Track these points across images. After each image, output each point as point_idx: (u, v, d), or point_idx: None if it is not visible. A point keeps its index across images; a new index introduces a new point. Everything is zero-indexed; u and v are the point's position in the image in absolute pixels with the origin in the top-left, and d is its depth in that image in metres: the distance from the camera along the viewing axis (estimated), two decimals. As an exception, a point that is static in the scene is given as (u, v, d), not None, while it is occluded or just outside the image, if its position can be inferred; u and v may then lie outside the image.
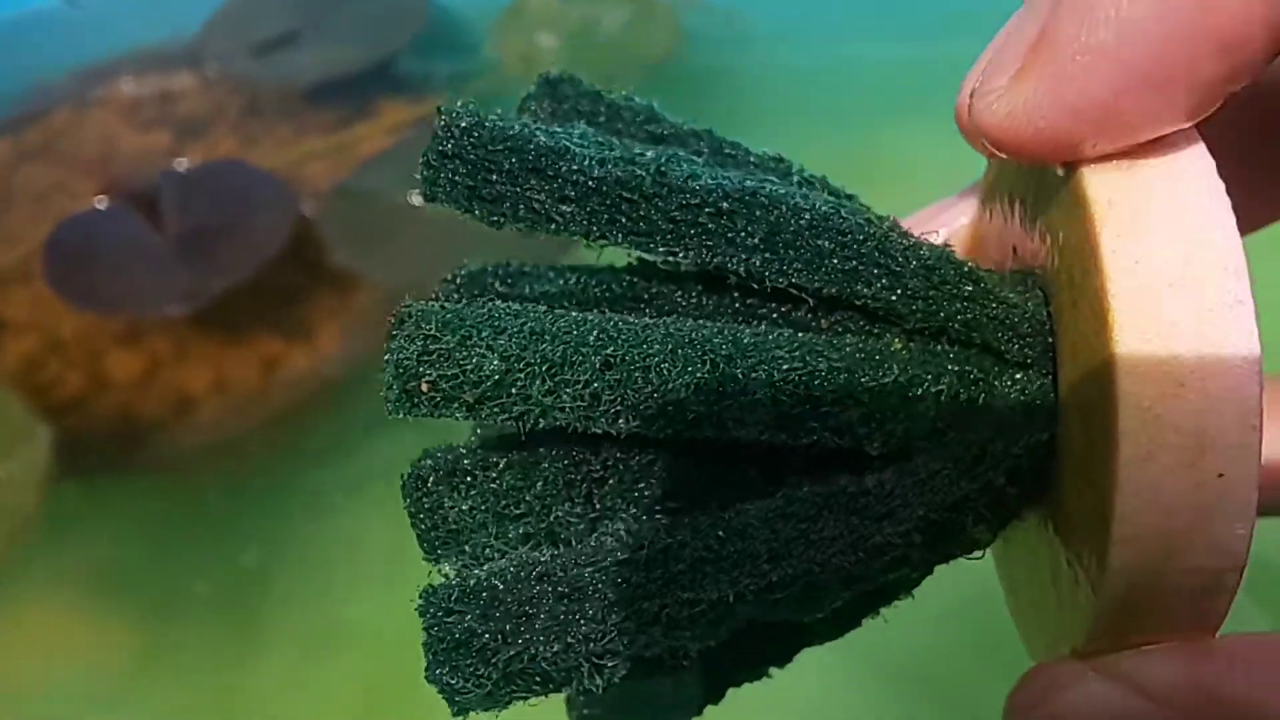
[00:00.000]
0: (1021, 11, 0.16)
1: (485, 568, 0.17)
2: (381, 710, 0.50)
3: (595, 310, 0.18)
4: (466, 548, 0.17)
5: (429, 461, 0.18)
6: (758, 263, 0.17)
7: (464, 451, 0.18)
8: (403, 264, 0.65)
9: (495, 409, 0.16)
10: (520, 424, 0.16)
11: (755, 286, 0.17)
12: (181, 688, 0.52)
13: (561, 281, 0.19)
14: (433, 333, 0.15)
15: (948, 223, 0.21)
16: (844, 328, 0.18)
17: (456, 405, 0.16)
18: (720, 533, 0.16)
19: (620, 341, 0.16)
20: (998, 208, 0.20)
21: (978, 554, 0.18)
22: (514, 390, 0.16)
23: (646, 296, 0.19)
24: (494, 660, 0.16)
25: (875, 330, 0.17)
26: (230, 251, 0.65)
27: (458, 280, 0.20)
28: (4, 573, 0.55)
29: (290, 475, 0.59)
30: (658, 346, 0.16)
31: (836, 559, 0.16)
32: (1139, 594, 0.15)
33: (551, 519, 0.17)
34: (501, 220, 0.17)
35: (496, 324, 0.16)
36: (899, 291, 0.17)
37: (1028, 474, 0.17)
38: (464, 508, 0.17)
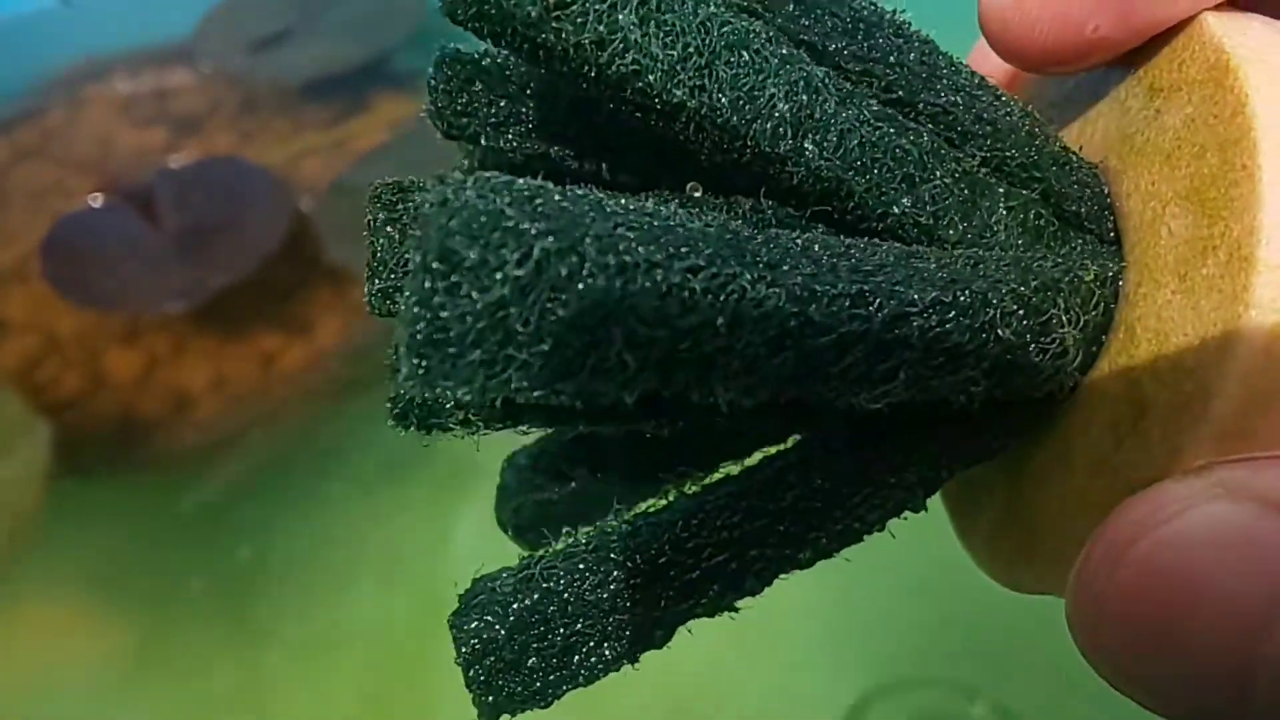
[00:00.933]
0: None
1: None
2: (380, 706, 0.50)
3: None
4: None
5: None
6: (836, 44, 0.16)
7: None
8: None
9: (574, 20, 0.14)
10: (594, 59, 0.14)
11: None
12: (180, 685, 0.51)
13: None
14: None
15: None
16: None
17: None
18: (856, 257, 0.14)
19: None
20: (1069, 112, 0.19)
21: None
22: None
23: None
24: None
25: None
26: (227, 248, 0.65)
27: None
28: (3, 571, 0.55)
29: (290, 472, 0.59)
30: (763, 49, 0.15)
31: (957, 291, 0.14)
32: (1266, 386, 0.13)
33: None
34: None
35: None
36: (965, 99, 0.16)
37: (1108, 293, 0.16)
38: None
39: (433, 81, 0.16)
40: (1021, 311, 0.14)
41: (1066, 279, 0.15)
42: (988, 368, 0.14)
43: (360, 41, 0.79)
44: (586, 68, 0.14)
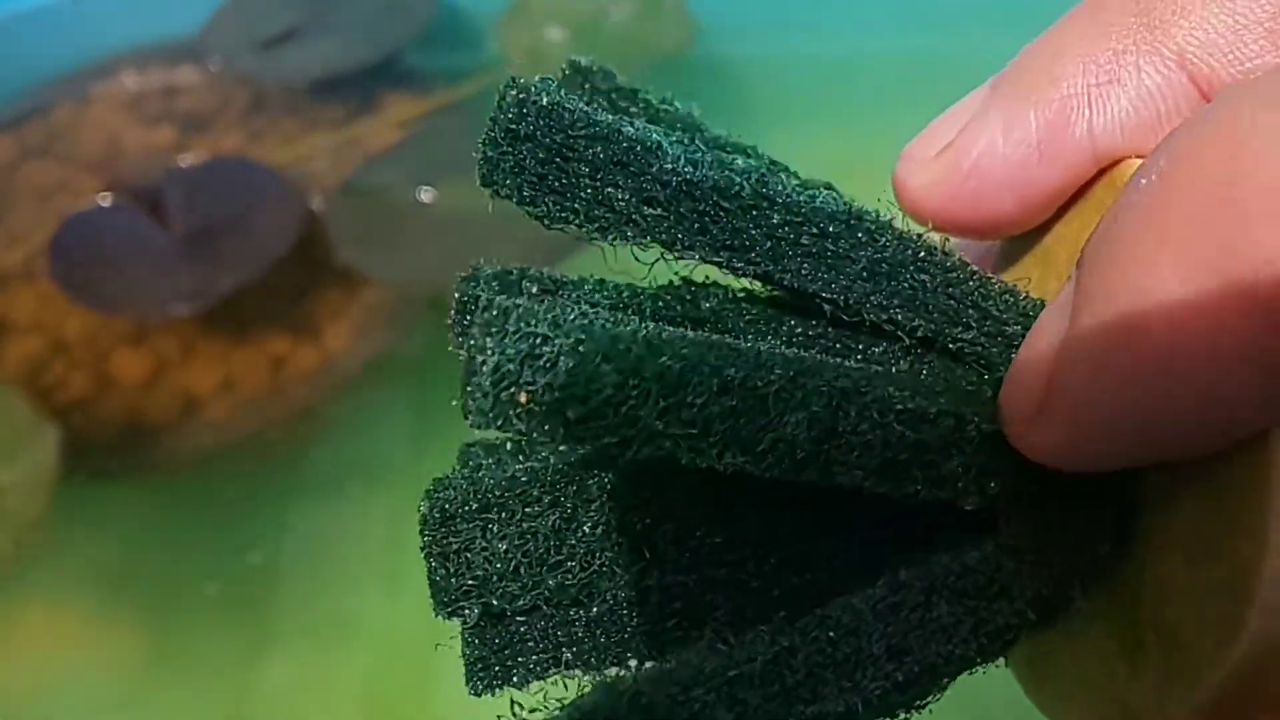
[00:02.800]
0: (1034, 332, 0.16)
1: (569, 706, 0.14)
2: (389, 708, 0.50)
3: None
4: (493, 600, 0.15)
5: (453, 493, 0.16)
6: (858, 293, 0.16)
7: (496, 482, 0.16)
8: (410, 262, 0.65)
9: (597, 430, 0.13)
10: (620, 450, 0.13)
11: (845, 319, 0.16)
12: (189, 688, 0.52)
13: (611, 296, 0.17)
14: (542, 333, 0.13)
15: None
16: (930, 369, 0.16)
17: (555, 423, 0.13)
18: (831, 632, 0.14)
19: (739, 364, 0.14)
20: (1042, 256, 0.19)
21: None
22: (624, 410, 0.13)
23: (714, 319, 0.17)
24: None
25: (962, 374, 0.16)
26: (236, 250, 0.65)
27: (482, 281, 0.17)
28: (12, 574, 0.55)
29: (298, 475, 0.59)
30: (778, 373, 0.14)
31: (960, 648, 0.15)
32: (1264, 664, 0.14)
33: (595, 565, 0.16)
34: (568, 218, 0.15)
35: (609, 331, 0.13)
36: (997, 336, 0.16)
37: (1121, 532, 0.16)
38: (498, 548, 0.15)
39: (431, 552, 0.16)
40: (1040, 609, 0.15)
41: (1083, 558, 0.15)
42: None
43: (370, 40, 0.79)
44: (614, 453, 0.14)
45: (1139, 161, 0.16)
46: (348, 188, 0.69)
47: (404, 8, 0.81)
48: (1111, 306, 0.13)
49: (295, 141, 0.72)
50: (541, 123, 0.15)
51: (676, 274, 0.17)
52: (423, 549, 0.15)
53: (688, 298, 0.17)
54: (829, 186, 0.18)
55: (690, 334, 0.14)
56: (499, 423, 0.13)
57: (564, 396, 0.13)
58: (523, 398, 0.13)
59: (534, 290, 0.17)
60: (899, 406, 0.14)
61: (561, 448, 0.16)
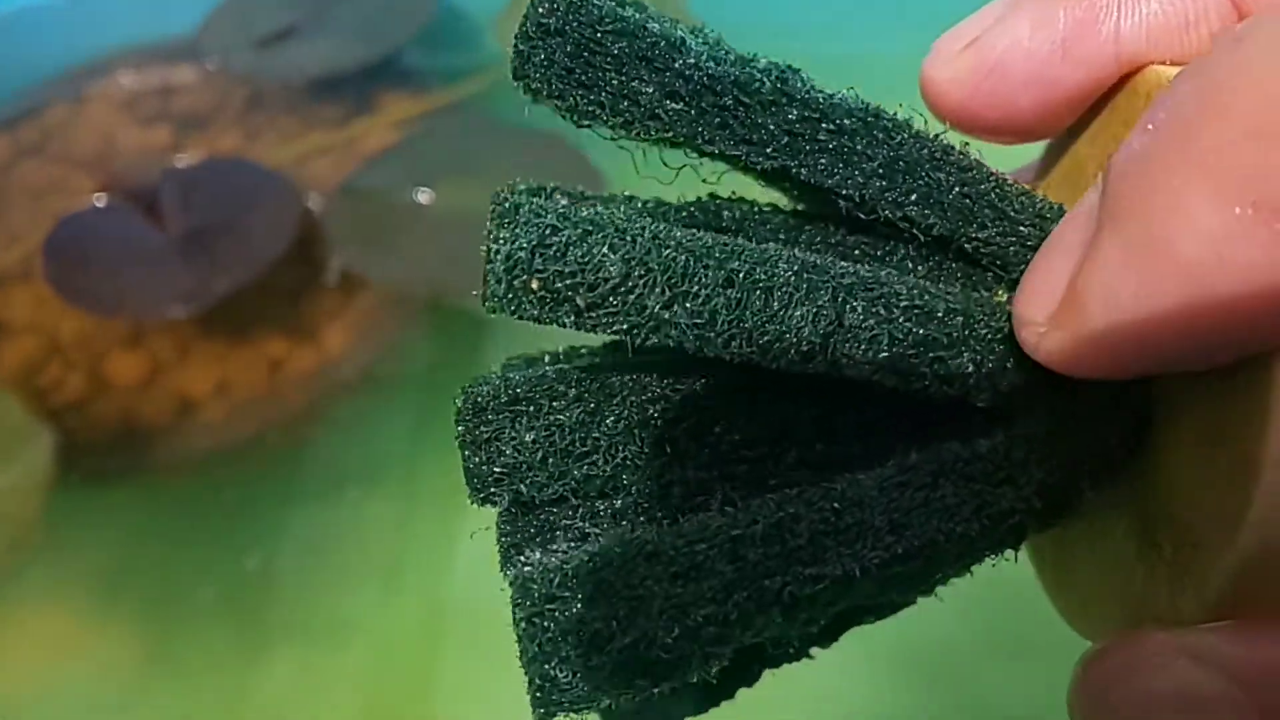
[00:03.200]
0: (1050, 244, 0.16)
1: (584, 549, 0.15)
2: (387, 711, 0.50)
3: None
4: (522, 487, 0.16)
5: (486, 387, 0.16)
6: (873, 188, 0.16)
7: (526, 378, 0.16)
8: (408, 264, 0.65)
9: (606, 317, 0.14)
10: (630, 337, 0.14)
11: (861, 218, 0.16)
12: (186, 692, 0.51)
13: (636, 207, 0.18)
14: (552, 223, 0.14)
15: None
16: (947, 273, 0.17)
17: (565, 309, 0.14)
18: (835, 504, 0.15)
19: (744, 258, 0.15)
20: (1072, 173, 0.19)
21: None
22: (631, 298, 0.14)
23: (735, 228, 0.17)
24: (608, 648, 0.14)
25: (979, 278, 0.17)
26: (233, 251, 0.65)
27: (518, 194, 0.18)
28: (7, 577, 0.55)
29: (295, 477, 0.58)
30: (783, 267, 0.15)
31: (961, 526, 0.15)
32: (1264, 567, 0.14)
33: (619, 459, 0.16)
34: (595, 112, 0.16)
35: (620, 224, 0.14)
36: (1012, 237, 0.16)
37: (1132, 435, 0.16)
38: (525, 440, 0.16)
39: (464, 440, 0.16)
40: (1048, 497, 0.16)
41: (1088, 446, 0.16)
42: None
43: (368, 40, 0.79)
44: (626, 342, 0.15)
45: (1161, 69, 0.16)
46: (346, 189, 0.69)
47: (402, 7, 0.80)
48: (1140, 221, 0.13)
49: (293, 141, 0.72)
50: (570, 17, 0.16)
51: (701, 196, 0.18)
52: (457, 439, 0.16)
53: (711, 209, 0.18)
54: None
55: (702, 233, 0.15)
56: (513, 308, 0.14)
57: (573, 283, 0.14)
58: (534, 284, 0.14)
59: (562, 201, 0.17)
60: (905, 303, 0.15)
61: (586, 355, 0.17)
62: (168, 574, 0.55)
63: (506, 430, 0.16)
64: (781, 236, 0.18)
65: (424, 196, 0.67)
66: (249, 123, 0.74)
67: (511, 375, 0.17)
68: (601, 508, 0.17)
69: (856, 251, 0.17)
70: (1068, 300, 0.15)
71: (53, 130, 0.75)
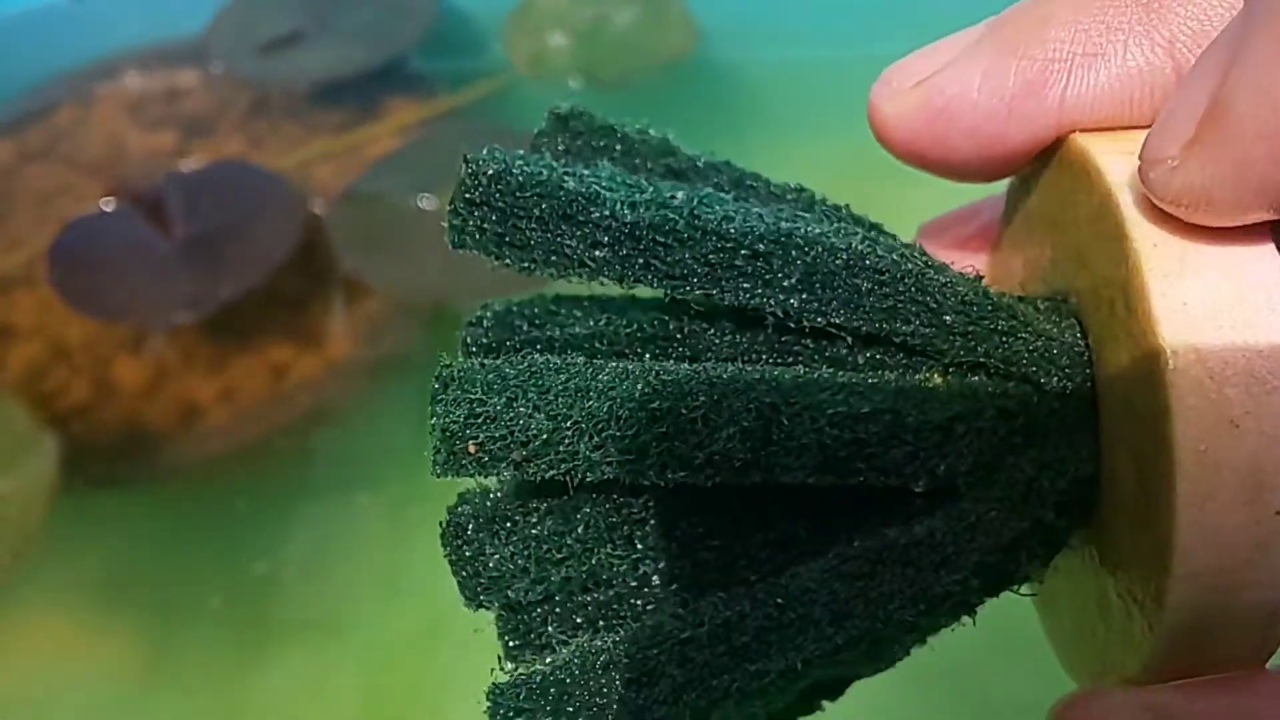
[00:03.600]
0: (1188, 78, 0.15)
1: (548, 661, 0.17)
2: (389, 715, 0.50)
3: (631, 354, 0.18)
4: (509, 593, 0.17)
5: (466, 508, 0.18)
6: (795, 303, 0.17)
7: (501, 497, 0.18)
8: (412, 269, 0.65)
9: (543, 465, 0.16)
10: (568, 478, 0.16)
11: (792, 325, 0.17)
12: (188, 698, 0.51)
13: (591, 322, 0.19)
14: (478, 396, 0.16)
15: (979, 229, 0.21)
16: (882, 363, 0.17)
17: (504, 464, 0.16)
18: (779, 599, 0.16)
19: (665, 394, 0.16)
20: (1024, 224, 0.20)
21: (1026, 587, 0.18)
22: (562, 448, 0.16)
23: (680, 336, 0.18)
24: None
25: (914, 365, 0.17)
26: (237, 257, 0.65)
27: (485, 324, 0.19)
28: (11, 583, 0.55)
29: (299, 484, 0.59)
30: (703, 399, 0.16)
31: (898, 614, 0.16)
32: (1197, 628, 0.15)
33: (594, 561, 0.17)
34: (532, 266, 0.17)
35: (541, 383, 0.16)
36: (937, 327, 0.17)
37: (1075, 505, 0.17)
38: (505, 553, 0.17)
39: (452, 558, 0.18)
40: (986, 577, 0.17)
41: (1027, 526, 0.17)
42: None
43: (373, 44, 0.79)
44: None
45: (1083, 139, 0.17)
46: (350, 194, 0.69)
47: (407, 12, 0.80)
48: None
49: (297, 146, 0.72)
50: (492, 189, 0.17)
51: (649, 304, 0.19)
52: (445, 556, 0.18)
53: (666, 316, 0.19)
54: (800, 190, 0.20)
55: (629, 367, 0.16)
56: (456, 470, 0.16)
57: (505, 444, 0.15)
58: (471, 448, 0.16)
59: (526, 328, 0.19)
60: (830, 410, 0.16)
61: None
62: (171, 579, 0.55)
63: (487, 546, 0.17)
64: (722, 340, 0.18)
65: (428, 202, 0.67)
66: (253, 127, 0.74)
67: (489, 495, 0.18)
68: (585, 599, 0.18)
69: (797, 348, 0.18)
70: (1210, 116, 0.14)
71: (59, 133, 0.75)
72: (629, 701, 0.16)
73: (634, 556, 0.17)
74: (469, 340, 0.19)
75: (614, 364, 0.17)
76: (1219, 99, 0.14)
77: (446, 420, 0.16)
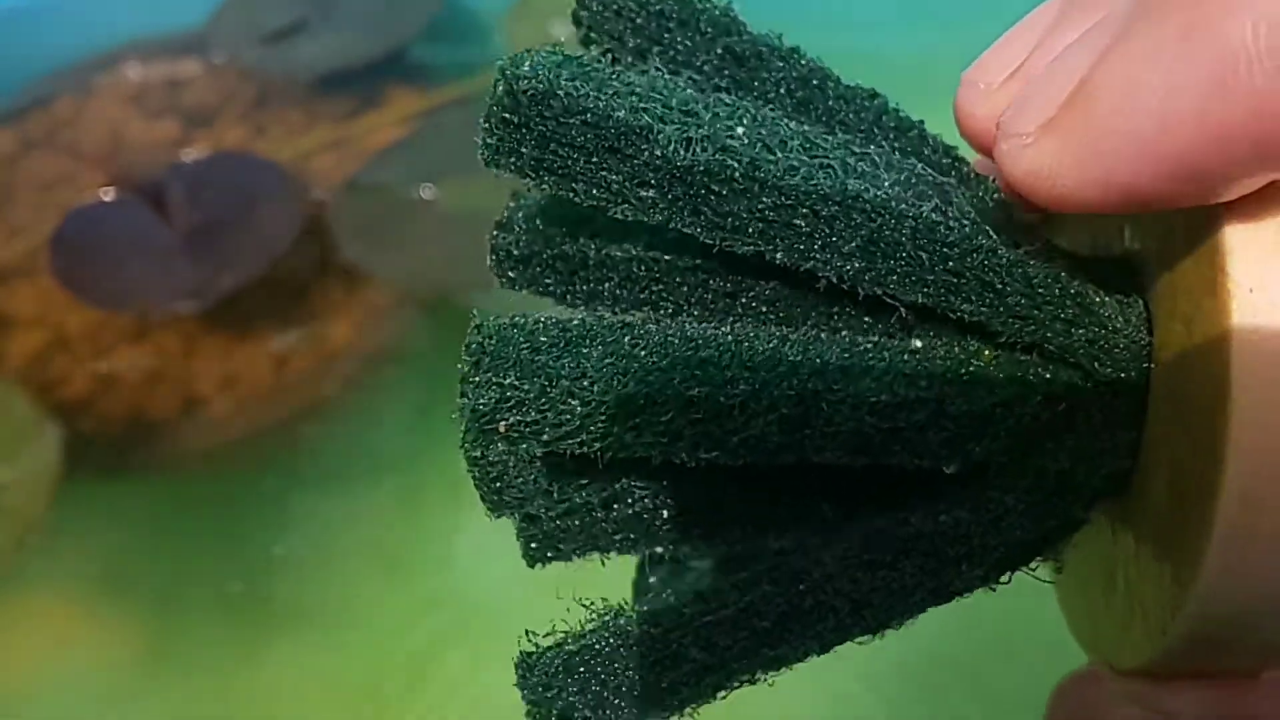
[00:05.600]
0: (1064, 53, 0.14)
1: (577, 641, 0.17)
2: (391, 702, 0.50)
3: (669, 285, 0.17)
4: (530, 510, 0.17)
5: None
6: (852, 270, 0.16)
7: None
8: (413, 260, 0.65)
9: (574, 445, 0.15)
10: (598, 456, 0.15)
11: (845, 289, 0.16)
12: (189, 686, 0.51)
13: (630, 243, 0.18)
14: (510, 382, 0.15)
15: None
16: (933, 335, 0.17)
17: (534, 443, 0.15)
18: (801, 586, 0.16)
19: (703, 380, 0.15)
20: None
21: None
22: (594, 430, 0.15)
23: (724, 275, 0.17)
24: None
25: (966, 339, 0.16)
26: (239, 246, 0.65)
27: (516, 229, 0.18)
28: (13, 572, 0.55)
29: (301, 472, 0.59)
30: (743, 387, 0.15)
31: (918, 604, 0.16)
32: (1199, 651, 0.15)
33: (616, 486, 0.17)
34: (571, 194, 0.16)
35: (576, 364, 0.15)
36: (999, 309, 0.16)
37: (1104, 499, 0.17)
38: (528, 475, 0.17)
39: (475, 473, 0.17)
40: (1006, 568, 0.17)
41: (1055, 524, 0.16)
42: None
43: (375, 34, 0.78)
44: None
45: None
46: (352, 184, 0.69)
47: (409, 2, 0.80)
48: (1194, 5, 0.12)
49: (299, 136, 0.72)
50: (533, 111, 0.15)
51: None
52: (468, 470, 0.17)
53: (710, 266, 0.18)
54: (873, 95, 0.18)
55: (669, 338, 0.15)
56: (485, 447, 0.15)
57: (537, 427, 0.15)
58: (502, 428, 0.15)
59: (558, 239, 0.18)
60: (872, 399, 0.15)
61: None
62: (172, 568, 0.55)
63: (511, 464, 0.17)
64: (768, 291, 0.17)
65: (430, 192, 0.67)
66: (256, 117, 0.74)
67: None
68: (604, 517, 0.18)
69: (847, 312, 0.17)
70: (1073, 99, 0.13)
71: (60, 123, 0.75)
72: (652, 682, 0.16)
73: (656, 484, 0.17)
74: (498, 248, 0.18)
75: (653, 331, 0.16)
76: (1086, 85, 0.13)
77: (477, 402, 0.15)
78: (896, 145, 0.18)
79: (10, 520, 0.56)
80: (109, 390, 0.60)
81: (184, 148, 0.72)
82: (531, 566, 0.18)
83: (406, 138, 0.71)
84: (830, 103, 0.18)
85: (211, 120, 0.74)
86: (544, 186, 0.16)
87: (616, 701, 0.16)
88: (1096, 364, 0.16)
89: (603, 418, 0.15)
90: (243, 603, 0.53)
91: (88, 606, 0.54)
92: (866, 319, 0.17)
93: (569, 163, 0.16)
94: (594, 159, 0.16)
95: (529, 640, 0.17)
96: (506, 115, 0.15)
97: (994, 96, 0.16)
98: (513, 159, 0.16)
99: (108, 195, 0.69)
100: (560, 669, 0.16)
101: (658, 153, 0.15)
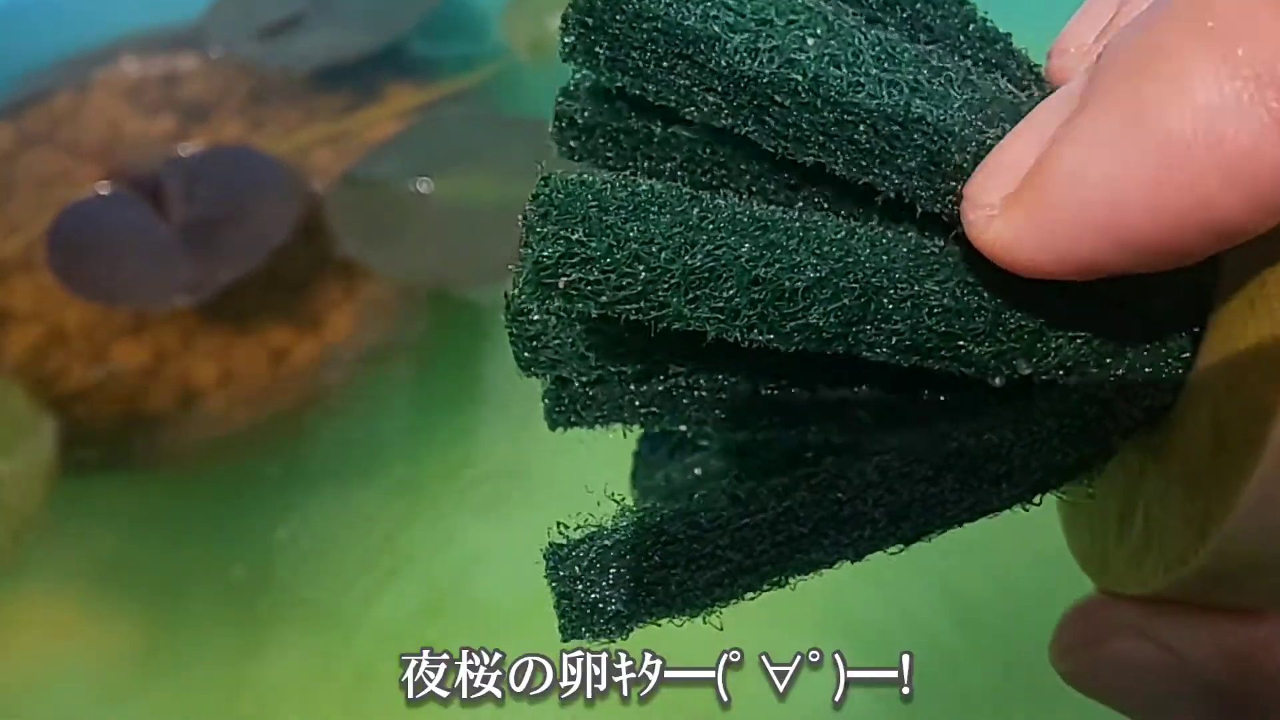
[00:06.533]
0: (1030, 119, 0.15)
1: (608, 537, 0.17)
2: (387, 699, 0.50)
3: (734, 173, 0.17)
4: (563, 373, 0.18)
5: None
6: (910, 188, 0.16)
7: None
8: (410, 254, 0.65)
9: (630, 310, 0.15)
10: (652, 324, 0.15)
11: (904, 205, 0.16)
12: (187, 681, 0.51)
13: (695, 130, 0.18)
14: (579, 238, 0.15)
15: None
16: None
17: (590, 304, 0.15)
18: (839, 494, 0.16)
19: (772, 262, 0.15)
20: None
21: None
22: (654, 298, 0.15)
23: (788, 174, 0.18)
24: (627, 625, 0.17)
25: None
26: (236, 241, 0.65)
27: (580, 97, 0.18)
28: (10, 567, 0.55)
29: (298, 467, 0.59)
30: (810, 274, 0.15)
31: (953, 519, 0.16)
32: (1211, 588, 0.15)
33: (650, 361, 0.17)
34: (643, 93, 0.17)
35: (645, 229, 0.15)
36: None
37: (1140, 430, 0.17)
38: (565, 339, 0.17)
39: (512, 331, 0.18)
40: (1042, 489, 0.17)
41: (1094, 451, 0.16)
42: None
43: (372, 28, 0.78)
44: None
45: None
46: (349, 178, 0.68)
47: (406, -4, 0.80)
48: (1129, 90, 0.13)
49: (296, 131, 0.72)
50: (607, 14, 0.16)
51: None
52: (506, 326, 0.17)
53: (767, 165, 0.18)
54: (963, 1, 0.18)
55: (738, 215, 0.15)
56: (541, 301, 0.15)
57: (598, 288, 0.15)
58: (562, 283, 0.15)
59: (625, 111, 0.18)
60: (933, 302, 0.15)
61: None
62: (169, 563, 0.55)
63: (550, 326, 0.17)
64: (828, 195, 0.18)
65: (427, 186, 0.67)
66: (253, 112, 0.74)
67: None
68: (635, 389, 0.18)
69: (903, 226, 0.17)
70: (1030, 178, 0.14)
71: (58, 118, 0.75)
72: (687, 582, 0.16)
73: (690, 364, 0.17)
74: (562, 115, 0.18)
75: (722, 206, 0.16)
76: (1040, 165, 0.14)
77: (540, 254, 0.15)
78: (981, 56, 0.18)
79: (7, 515, 0.56)
80: (106, 385, 0.60)
81: (181, 142, 0.72)
82: (553, 430, 0.18)
83: (404, 132, 0.71)
84: (917, 5, 0.18)
85: (208, 115, 0.74)
86: (618, 85, 0.17)
87: (649, 598, 0.16)
88: (1154, 296, 0.16)
89: (665, 286, 0.15)
90: (240, 596, 0.53)
91: (86, 601, 0.54)
92: (926, 234, 0.17)
93: (641, 64, 0.16)
94: (664, 63, 0.16)
95: (559, 532, 0.17)
96: (583, 17, 0.16)
97: (1089, 58, 0.16)
98: (589, 58, 0.17)
99: (105, 190, 0.69)
100: (595, 562, 0.16)
101: (724, 61, 0.16)
